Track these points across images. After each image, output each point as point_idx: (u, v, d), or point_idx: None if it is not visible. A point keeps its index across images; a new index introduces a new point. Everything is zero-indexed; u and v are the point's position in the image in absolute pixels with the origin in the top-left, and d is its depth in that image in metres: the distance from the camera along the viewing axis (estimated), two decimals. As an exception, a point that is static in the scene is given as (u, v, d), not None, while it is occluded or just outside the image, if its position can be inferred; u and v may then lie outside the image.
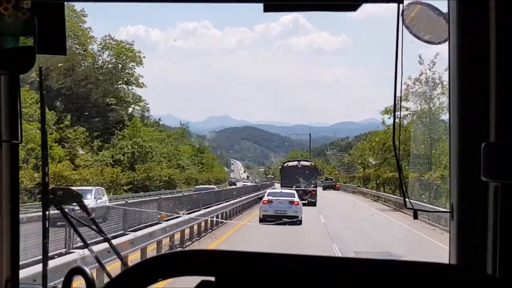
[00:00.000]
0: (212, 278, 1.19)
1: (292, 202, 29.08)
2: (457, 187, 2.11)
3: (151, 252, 17.07)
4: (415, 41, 2.32)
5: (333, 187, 73.97)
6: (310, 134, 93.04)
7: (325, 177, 78.68)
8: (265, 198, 29.95)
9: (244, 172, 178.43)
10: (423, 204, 27.77)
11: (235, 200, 34.65)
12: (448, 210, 2.14)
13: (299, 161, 51.89)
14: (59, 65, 42.42)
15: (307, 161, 52.99)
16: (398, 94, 2.19)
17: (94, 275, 2.34)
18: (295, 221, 27.42)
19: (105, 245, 3.02)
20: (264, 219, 28.06)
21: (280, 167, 58.70)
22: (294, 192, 31.22)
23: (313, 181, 45.72)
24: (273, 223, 26.80)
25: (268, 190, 33.71)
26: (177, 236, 20.73)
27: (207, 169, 74.72)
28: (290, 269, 1.18)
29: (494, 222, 1.95)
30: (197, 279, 1.21)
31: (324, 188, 70.07)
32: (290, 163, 50.97)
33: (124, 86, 56.41)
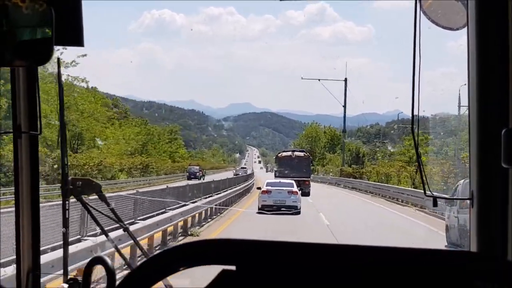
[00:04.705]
0: (233, 267, 1.19)
1: (291, 192, 28.89)
2: (477, 174, 2.09)
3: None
4: (433, 27, 2.29)
5: None
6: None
7: None
8: (264, 188, 29.61)
9: (258, 157, 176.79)
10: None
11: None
12: (469, 197, 2.12)
13: (293, 151, 51.27)
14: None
15: (302, 151, 52.21)
16: (416, 81, 2.16)
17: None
18: (294, 211, 27.41)
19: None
20: (262, 209, 27.83)
21: (274, 157, 57.75)
22: (293, 182, 30.88)
23: (307, 171, 45.36)
24: (271, 212, 26.65)
25: (267, 180, 33.32)
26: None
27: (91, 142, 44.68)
28: (312, 258, 1.18)
29: None
30: (218, 268, 1.22)
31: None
32: (284, 153, 50.55)
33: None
